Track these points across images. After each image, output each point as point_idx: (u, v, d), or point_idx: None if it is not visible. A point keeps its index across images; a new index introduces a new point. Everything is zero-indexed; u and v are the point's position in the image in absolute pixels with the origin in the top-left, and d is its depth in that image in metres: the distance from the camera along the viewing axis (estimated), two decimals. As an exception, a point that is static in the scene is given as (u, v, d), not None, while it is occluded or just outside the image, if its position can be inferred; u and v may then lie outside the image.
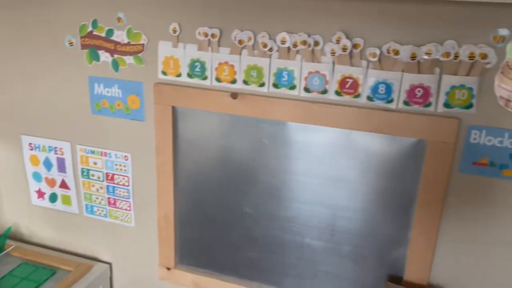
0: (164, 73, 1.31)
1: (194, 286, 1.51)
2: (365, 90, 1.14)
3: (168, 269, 1.53)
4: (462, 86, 1.05)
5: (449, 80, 1.06)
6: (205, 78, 1.27)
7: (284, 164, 1.30)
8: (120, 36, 1.33)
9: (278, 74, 1.20)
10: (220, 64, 1.24)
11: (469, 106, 1.06)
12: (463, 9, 1.01)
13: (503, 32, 1.00)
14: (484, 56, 1.01)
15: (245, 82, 1.24)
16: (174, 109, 1.34)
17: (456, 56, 1.04)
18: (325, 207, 1.29)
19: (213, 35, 1.22)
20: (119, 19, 1.31)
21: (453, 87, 1.06)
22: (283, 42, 1.16)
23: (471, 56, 1.02)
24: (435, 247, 1.21)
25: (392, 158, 1.19)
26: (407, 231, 1.23)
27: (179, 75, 1.30)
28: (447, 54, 1.04)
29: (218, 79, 1.26)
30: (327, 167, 1.26)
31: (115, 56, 1.35)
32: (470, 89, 1.05)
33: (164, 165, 1.41)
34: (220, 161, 1.37)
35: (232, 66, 1.24)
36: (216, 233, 1.45)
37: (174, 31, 1.26)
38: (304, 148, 1.27)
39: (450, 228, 1.18)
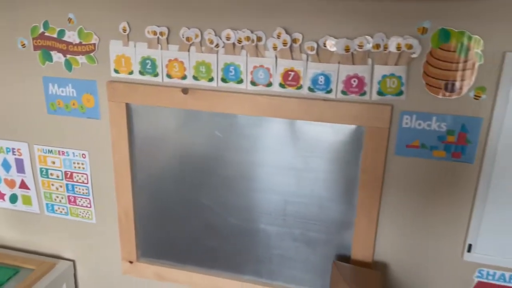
0: (116, 71, 1.35)
1: (156, 277, 1.56)
2: (306, 82, 1.21)
3: (131, 262, 1.57)
4: (392, 75, 1.14)
5: (380, 70, 1.14)
6: (156, 75, 1.32)
7: (237, 155, 1.36)
8: (71, 36, 1.36)
9: (226, 69, 1.26)
10: (170, 61, 1.30)
11: (400, 93, 1.15)
12: (390, 4, 1.10)
13: (426, 24, 1.09)
14: (409, 47, 1.10)
15: (195, 78, 1.30)
16: (128, 106, 1.39)
17: (385, 48, 1.12)
18: (276, 194, 1.36)
19: (161, 33, 1.27)
20: (69, 20, 1.34)
21: (384, 76, 1.15)
22: (228, 38, 1.22)
23: (398, 47, 1.11)
24: (377, 227, 1.30)
25: (334, 145, 1.27)
26: (352, 213, 1.31)
27: (131, 73, 1.34)
28: (377, 46, 1.12)
29: (169, 76, 1.31)
30: (276, 156, 1.33)
31: (68, 56, 1.38)
32: (400, 77, 1.14)
33: (121, 162, 1.45)
34: (176, 155, 1.42)
35: (182, 62, 1.29)
36: (175, 225, 1.50)
37: (124, 30, 1.30)
38: (254, 139, 1.33)
39: (390, 208, 1.27)
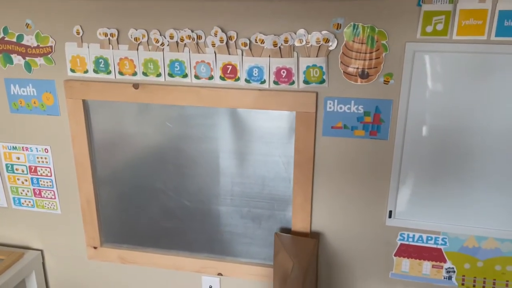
0: (72, 70, 1.48)
1: (120, 260, 1.69)
2: (243, 74, 1.37)
3: (95, 248, 1.70)
4: (314, 66, 1.31)
5: (304, 62, 1.31)
6: (109, 72, 1.45)
7: (187, 143, 1.51)
8: (30, 40, 1.48)
9: (171, 65, 1.41)
10: (121, 59, 1.43)
11: (322, 81, 1.32)
12: (309, 5, 1.26)
13: (340, 20, 1.26)
14: (327, 41, 1.27)
15: (144, 74, 1.44)
16: (84, 102, 1.52)
17: (307, 42, 1.29)
18: (224, 177, 1.52)
19: (112, 35, 1.41)
20: (27, 25, 1.46)
21: (308, 67, 1.31)
22: (171, 37, 1.37)
23: (318, 41, 1.28)
24: (312, 201, 1.46)
25: (271, 129, 1.43)
26: (290, 190, 1.47)
27: (86, 72, 1.47)
28: (300, 41, 1.29)
29: (121, 73, 1.45)
30: (222, 142, 1.48)
31: (27, 58, 1.50)
32: (321, 67, 1.31)
33: (81, 154, 1.57)
34: (132, 146, 1.56)
35: (132, 60, 1.43)
36: (135, 211, 1.64)
37: (78, 33, 1.43)
38: (201, 127, 1.48)
39: (322, 184, 1.44)
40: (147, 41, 1.40)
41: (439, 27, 1.19)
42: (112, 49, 1.42)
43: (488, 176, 1.29)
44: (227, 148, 1.48)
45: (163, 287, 1.72)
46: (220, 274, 1.62)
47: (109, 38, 1.41)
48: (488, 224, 1.33)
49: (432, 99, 1.26)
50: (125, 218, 1.66)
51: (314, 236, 1.50)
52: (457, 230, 1.37)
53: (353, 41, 1.27)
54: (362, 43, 1.26)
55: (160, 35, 1.38)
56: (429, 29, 1.20)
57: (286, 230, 1.52)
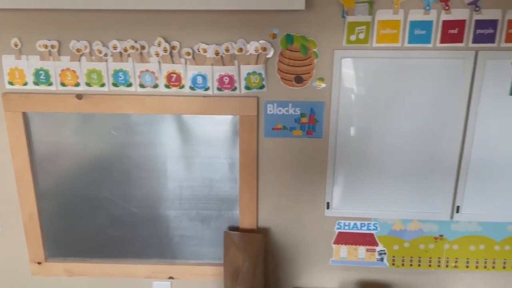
0: (10, 83, 1.45)
1: (66, 273, 1.66)
2: (187, 82, 1.44)
3: (39, 263, 1.66)
4: (254, 72, 1.42)
5: (245, 69, 1.41)
6: (50, 84, 1.45)
7: (133, 150, 1.54)
8: (-39, 52, 1.43)
9: (115, 75, 1.44)
10: (62, 70, 1.44)
11: (262, 86, 1.43)
12: (247, 16, 1.37)
13: (275, 31, 1.38)
14: (264, 49, 1.39)
15: (87, 84, 1.45)
16: (25, 115, 1.49)
17: (246, 51, 1.40)
18: (172, 181, 1.57)
19: (52, 46, 1.41)
20: (-42, 37, 1.42)
21: (248, 74, 1.42)
22: (115, 48, 1.41)
23: (256, 50, 1.39)
24: (257, 199, 1.56)
25: (216, 133, 1.51)
26: (237, 190, 1.56)
27: (25, 84, 1.45)
28: (240, 50, 1.39)
29: (63, 84, 1.45)
30: (169, 148, 1.53)
31: (-41, 71, 1.45)
32: (260, 74, 1.42)
33: (22, 168, 1.54)
34: (77, 156, 1.56)
35: (74, 71, 1.44)
36: (81, 222, 1.63)
37: (16, 45, 1.41)
38: (148, 134, 1.52)
39: (266, 182, 1.55)
40: (90, 52, 1.42)
41: (361, 36, 1.35)
42: (53, 60, 1.42)
43: (406, 167, 1.48)
44: (174, 153, 1.54)
45: (113, 297, 1.72)
46: (171, 277, 1.66)
47: (49, 50, 1.41)
48: (411, 208, 1.52)
49: (358, 101, 1.42)
50: (70, 230, 1.64)
51: (261, 232, 1.60)
52: (386, 215, 1.54)
53: (288, 50, 1.39)
54: (296, 51, 1.39)
55: (103, 46, 1.41)
56: (352, 37, 1.36)
57: (235, 229, 1.60)
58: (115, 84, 1.46)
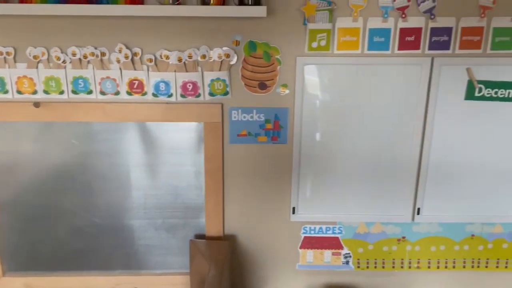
0: (-38, 91, 1.39)
1: (25, 288, 1.60)
2: (150, 89, 1.42)
3: (-4, 279, 1.59)
4: (218, 79, 1.41)
5: (208, 75, 1.41)
6: (6, 92, 1.40)
7: (96, 159, 1.50)
8: None
9: (75, 82, 1.40)
10: (19, 78, 1.39)
11: (226, 93, 1.43)
12: (210, 23, 1.37)
13: (238, 37, 1.38)
14: (228, 56, 1.39)
15: (45, 92, 1.41)
16: (-22, 123, 1.43)
17: (210, 57, 1.39)
18: (136, 190, 1.54)
19: (8, 53, 1.36)
20: None
21: (212, 80, 1.41)
22: (73, 54, 1.37)
23: (219, 56, 1.39)
24: (223, 206, 1.56)
25: (181, 140, 1.49)
26: (202, 197, 1.55)
27: (-21, 91, 1.40)
28: (204, 56, 1.39)
29: (19, 92, 1.40)
30: (132, 156, 1.50)
31: None
32: (224, 80, 1.42)
33: (-23, 179, 1.48)
34: (36, 167, 1.50)
35: (31, 79, 1.39)
36: (41, 234, 1.57)
37: (-32, 51, 1.36)
38: (110, 143, 1.49)
39: (232, 189, 1.54)
40: (48, 58, 1.38)
41: (323, 43, 1.38)
42: (9, 67, 1.37)
43: (368, 171, 1.51)
44: (138, 161, 1.51)
45: (76, 311, 1.66)
46: (136, 288, 1.63)
47: (5, 57, 1.36)
48: (374, 211, 1.55)
49: (322, 107, 1.44)
50: (31, 244, 1.58)
51: (228, 239, 1.59)
52: (350, 219, 1.56)
53: (251, 56, 1.40)
54: (259, 58, 1.40)
55: (62, 52, 1.37)
56: (314, 44, 1.38)
57: (201, 237, 1.59)
58: (74, 92, 1.42)
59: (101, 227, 1.57)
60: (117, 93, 1.42)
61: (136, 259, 1.61)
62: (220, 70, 1.41)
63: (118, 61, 1.38)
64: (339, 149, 1.49)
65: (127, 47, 1.38)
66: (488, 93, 1.42)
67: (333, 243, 1.60)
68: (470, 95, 1.42)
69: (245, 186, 1.54)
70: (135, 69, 1.40)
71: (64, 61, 1.38)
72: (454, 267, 1.63)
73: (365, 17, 1.36)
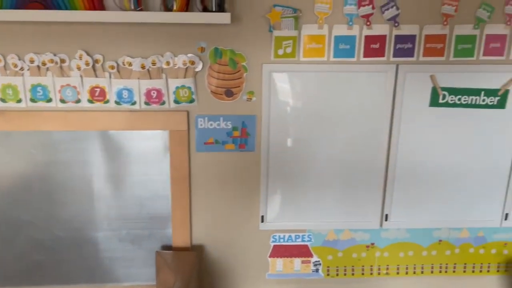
0: None
1: (-18, 306, 1.53)
2: (112, 96, 1.38)
3: (-50, 297, 1.50)
4: (183, 86, 1.39)
5: (173, 83, 1.38)
6: (-41, 100, 1.34)
7: (56, 169, 1.45)
8: None
9: (33, 90, 1.35)
10: (-27, 85, 1.33)
11: (192, 100, 1.40)
12: (175, 30, 1.34)
13: (203, 44, 1.36)
14: (193, 63, 1.36)
15: (2, 100, 1.35)
16: None
17: (174, 64, 1.36)
18: (99, 201, 1.49)
19: (-40, 59, 1.30)
20: None
21: (177, 87, 1.38)
22: (31, 61, 1.32)
23: (184, 63, 1.36)
24: (190, 216, 1.52)
25: (146, 149, 1.45)
26: (169, 207, 1.51)
27: None
28: (168, 63, 1.36)
29: (-27, 100, 1.34)
30: (95, 166, 1.45)
31: None
32: (189, 87, 1.39)
33: None
34: (-8, 178, 1.44)
35: (-14, 86, 1.34)
36: (0, 248, 1.50)
37: None
38: (72, 152, 1.44)
39: (199, 198, 1.51)
40: (4, 65, 1.32)
41: (288, 50, 1.37)
42: (-38, 74, 1.32)
43: (337, 178, 1.50)
44: (101, 171, 1.46)
45: (37, 328, 1.59)
46: (101, 302, 1.57)
47: (-43, 63, 1.30)
48: (343, 218, 1.54)
49: (290, 114, 1.43)
50: (-14, 258, 1.51)
51: (195, 249, 1.55)
52: (319, 226, 1.55)
53: (217, 63, 1.38)
54: (225, 65, 1.38)
55: (19, 59, 1.32)
56: (280, 52, 1.37)
57: (168, 248, 1.55)
58: (33, 100, 1.36)
59: (63, 239, 1.51)
60: (78, 101, 1.38)
61: (100, 272, 1.56)
62: (185, 77, 1.38)
63: (79, 68, 1.34)
64: (308, 157, 1.48)
65: (88, 54, 1.33)
66: (452, 100, 1.44)
67: (302, 251, 1.59)
68: (434, 102, 1.44)
69: (213, 195, 1.51)
70: (96, 76, 1.36)
71: (21, 68, 1.32)
72: (422, 272, 1.64)
73: (331, 25, 1.35)
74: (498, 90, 1.43)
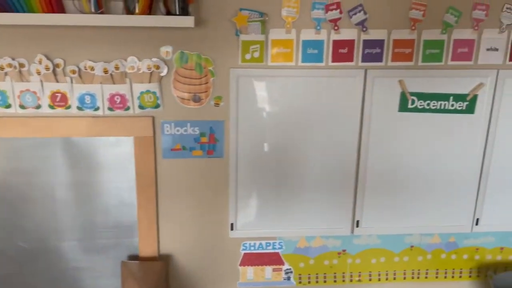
0: None
1: None
2: (74, 102, 1.34)
3: None
4: (148, 91, 1.35)
5: (137, 88, 1.34)
6: None
7: (18, 177, 1.39)
8: None
9: (-9, 95, 1.30)
10: None
11: (157, 106, 1.37)
12: (138, 33, 1.31)
13: (168, 48, 1.33)
14: (157, 67, 1.33)
15: (-42, 106, 1.30)
16: None
17: (138, 69, 1.33)
18: (63, 210, 1.43)
19: None
20: None
21: (142, 92, 1.35)
22: (-12, 66, 1.27)
23: (149, 68, 1.33)
24: (157, 224, 1.48)
25: (110, 155, 1.41)
26: (135, 216, 1.47)
27: None
28: (132, 67, 1.32)
29: None
30: (57, 173, 1.40)
31: None
32: (154, 92, 1.35)
33: None
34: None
35: None
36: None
37: None
38: (32, 160, 1.38)
39: (166, 206, 1.47)
40: (-41, 69, 1.27)
41: (256, 54, 1.34)
42: None
43: (307, 184, 1.48)
44: (65, 179, 1.41)
45: None
46: (66, 315, 1.52)
47: None
48: (314, 225, 1.52)
49: (260, 119, 1.40)
50: None
51: (163, 259, 1.51)
52: (290, 233, 1.53)
53: (183, 68, 1.34)
54: (191, 70, 1.35)
55: (-25, 63, 1.27)
56: (248, 56, 1.34)
57: (135, 257, 1.50)
58: (-10, 105, 1.32)
59: (26, 250, 1.45)
60: (39, 106, 1.33)
61: (65, 283, 1.50)
62: (150, 82, 1.34)
63: (39, 73, 1.29)
64: (278, 163, 1.45)
65: (48, 58, 1.29)
66: (421, 105, 1.43)
67: (273, 259, 1.56)
68: (403, 107, 1.43)
69: (181, 202, 1.47)
70: (57, 81, 1.31)
71: (-23, 73, 1.28)
72: (395, 278, 1.63)
73: (298, 29, 1.33)
74: (466, 95, 1.43)
